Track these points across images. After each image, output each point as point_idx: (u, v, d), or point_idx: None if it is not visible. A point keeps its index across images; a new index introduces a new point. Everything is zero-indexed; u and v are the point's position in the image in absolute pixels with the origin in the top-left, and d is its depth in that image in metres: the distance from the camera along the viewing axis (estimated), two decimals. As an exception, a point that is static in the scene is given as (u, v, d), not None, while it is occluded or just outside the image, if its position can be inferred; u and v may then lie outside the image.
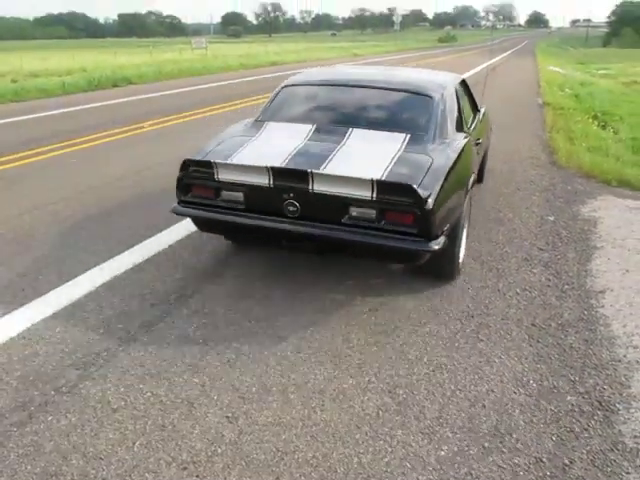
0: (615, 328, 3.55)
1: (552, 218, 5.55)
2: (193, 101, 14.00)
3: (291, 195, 3.34)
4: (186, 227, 4.94)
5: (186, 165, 3.62)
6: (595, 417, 2.70)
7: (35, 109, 12.69)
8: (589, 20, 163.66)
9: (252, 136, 4.07)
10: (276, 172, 3.34)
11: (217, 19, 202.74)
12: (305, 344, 3.24)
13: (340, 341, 3.28)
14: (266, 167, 3.32)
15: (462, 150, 3.94)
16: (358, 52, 45.22)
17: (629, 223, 5.49)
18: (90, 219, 5.30)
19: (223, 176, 3.49)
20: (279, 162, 3.46)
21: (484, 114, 5.97)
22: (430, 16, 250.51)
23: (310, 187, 3.26)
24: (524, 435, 2.56)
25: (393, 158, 3.52)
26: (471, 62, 29.53)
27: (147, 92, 16.05)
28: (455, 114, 4.42)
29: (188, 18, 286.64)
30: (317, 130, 3.97)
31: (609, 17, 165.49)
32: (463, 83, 5.35)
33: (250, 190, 3.46)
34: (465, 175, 4.04)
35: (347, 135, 3.88)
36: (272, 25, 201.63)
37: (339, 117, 4.22)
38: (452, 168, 3.58)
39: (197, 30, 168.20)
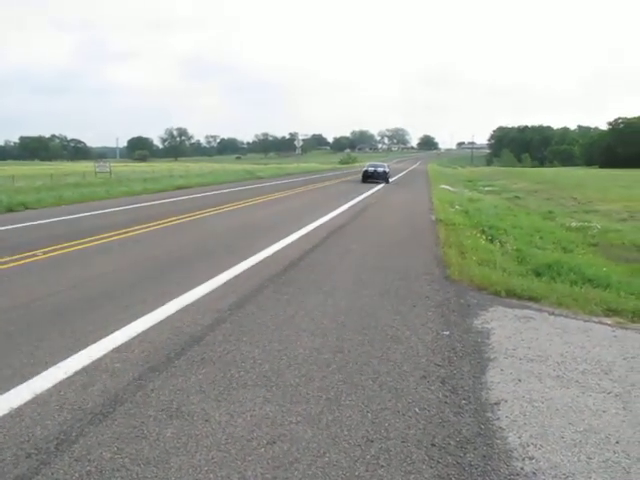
0: (511, 440, 3.62)
1: (447, 333, 5.73)
2: (94, 225, 13.76)
3: (375, 171, 38.76)
4: (75, 364, 4.66)
5: (364, 170, 39.66)
6: (496, 541, 2.67)
7: None
8: (473, 142, 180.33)
9: (367, 168, 39.82)
10: (372, 169, 39.25)
11: (123, 143, 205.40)
12: (198, 487, 3.03)
13: (236, 479, 3.11)
14: (371, 169, 39.38)
15: (389, 169, 42.80)
16: (262, 175, 47.06)
17: (518, 332, 5.78)
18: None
19: (368, 170, 39.19)
20: (372, 170, 39.06)
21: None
22: (330, 140, 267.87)
23: (377, 171, 38.90)
24: None
25: (385, 170, 39.38)
26: (369, 185, 33.59)
27: (44, 217, 15.61)
28: (387, 166, 42.69)
29: (94, 142, 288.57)
30: (372, 168, 39.60)
31: (489, 140, 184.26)
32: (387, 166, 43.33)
33: (369, 171, 38.84)
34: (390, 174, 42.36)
35: (377, 169, 39.26)
36: (178, 149, 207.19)
37: (375, 168, 39.58)
38: (389, 171, 41.89)
39: (103, 153, 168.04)
